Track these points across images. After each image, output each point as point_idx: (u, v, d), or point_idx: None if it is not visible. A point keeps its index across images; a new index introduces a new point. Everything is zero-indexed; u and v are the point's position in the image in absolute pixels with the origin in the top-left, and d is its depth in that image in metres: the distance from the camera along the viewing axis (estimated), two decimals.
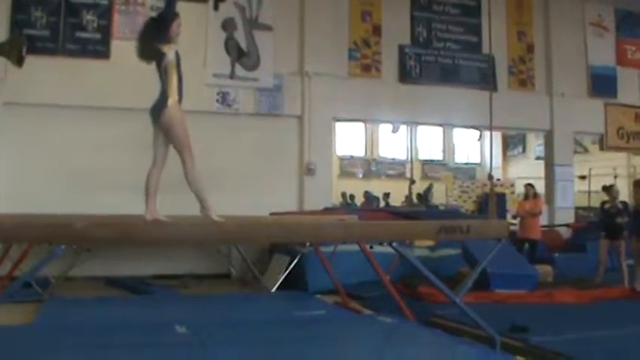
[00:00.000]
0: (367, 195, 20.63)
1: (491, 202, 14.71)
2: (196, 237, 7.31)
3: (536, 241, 13.54)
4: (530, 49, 16.81)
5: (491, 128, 14.47)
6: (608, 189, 12.62)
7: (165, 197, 12.37)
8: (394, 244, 7.54)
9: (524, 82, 16.64)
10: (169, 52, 6.65)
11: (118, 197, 11.97)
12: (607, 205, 12.23)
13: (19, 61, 11.45)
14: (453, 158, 27.28)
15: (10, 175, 12.23)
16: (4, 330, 7.02)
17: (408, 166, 23.51)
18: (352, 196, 20.74)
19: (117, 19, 13.31)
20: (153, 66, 12.80)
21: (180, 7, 13.13)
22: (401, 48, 15.48)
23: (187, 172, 6.84)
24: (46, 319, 7.99)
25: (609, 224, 12.00)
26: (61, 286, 10.84)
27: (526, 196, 14.11)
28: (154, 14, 13.17)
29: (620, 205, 12.10)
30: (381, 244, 9.53)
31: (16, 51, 11.47)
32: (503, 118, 14.97)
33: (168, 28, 6.67)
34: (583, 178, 21.00)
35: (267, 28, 14.16)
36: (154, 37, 6.75)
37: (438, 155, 27.09)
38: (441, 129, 24.59)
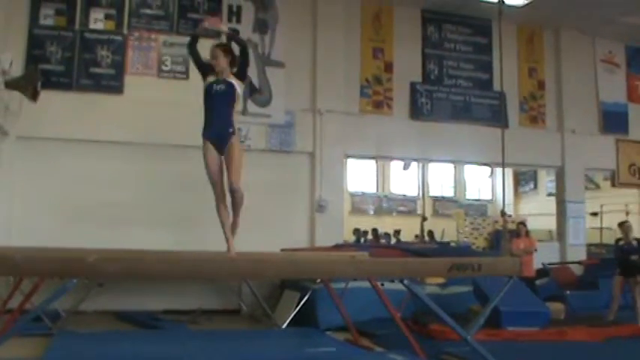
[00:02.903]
0: (375, 232, 20.61)
1: (504, 239, 14.68)
2: (207, 272, 7.32)
3: (532, 279, 13.46)
4: (541, 85, 16.87)
5: (503, 165, 14.47)
6: (621, 225, 12.58)
7: (180, 232, 12.46)
8: (405, 281, 7.53)
9: (535, 118, 16.67)
10: (241, 85, 7.16)
11: (130, 231, 12.03)
12: (621, 242, 12.19)
13: (33, 96, 11.59)
14: (464, 195, 27.26)
15: (23, 208, 12.30)
16: None
17: (419, 202, 23.56)
18: (365, 232, 20.74)
19: (130, 54, 13.45)
20: (165, 102, 13.00)
21: None
22: (412, 85, 15.55)
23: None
24: (55, 353, 7.96)
25: (624, 261, 11.94)
26: (71, 320, 10.82)
27: (518, 235, 14.14)
28: (167, 50, 13.43)
29: (634, 243, 12.05)
30: (392, 281, 9.54)
31: (31, 86, 11.61)
32: (515, 155, 14.96)
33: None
34: (595, 214, 20.93)
35: (280, 64, 14.27)
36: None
37: (449, 192, 27.08)
38: (452, 166, 24.60)
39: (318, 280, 10.62)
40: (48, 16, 13.05)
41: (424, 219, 19.60)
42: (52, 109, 12.37)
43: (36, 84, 11.64)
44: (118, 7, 13.47)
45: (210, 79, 7.24)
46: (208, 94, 7.20)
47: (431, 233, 20.89)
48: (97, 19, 13.36)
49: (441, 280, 12.55)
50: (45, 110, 12.16)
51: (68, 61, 13.06)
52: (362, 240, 20.22)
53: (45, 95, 11.88)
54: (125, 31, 13.48)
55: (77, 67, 13.09)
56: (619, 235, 12.50)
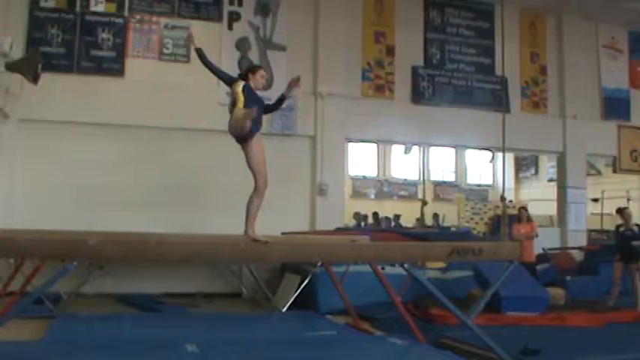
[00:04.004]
0: (376, 216, 20.59)
1: (504, 224, 14.66)
2: (208, 256, 7.32)
3: (533, 264, 13.44)
4: (543, 70, 16.84)
5: (504, 150, 14.44)
6: (621, 211, 12.56)
7: (182, 215, 12.46)
8: (406, 265, 7.53)
9: (537, 103, 16.64)
10: (237, 86, 7.31)
11: (131, 214, 12.05)
12: (622, 228, 12.17)
13: (34, 79, 11.56)
14: (465, 180, 27.19)
15: (24, 190, 12.30)
16: (14, 346, 7.03)
17: (420, 187, 23.47)
18: (366, 216, 20.72)
19: (132, 37, 13.43)
20: (167, 85, 13.02)
21: (194, 27, 13.35)
22: (414, 69, 15.53)
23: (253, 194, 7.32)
24: (56, 335, 7.98)
25: (624, 247, 11.93)
26: (72, 302, 10.84)
27: (519, 220, 14.12)
28: (168, 33, 13.42)
29: (635, 228, 12.04)
30: (392, 265, 9.55)
31: (31, 68, 11.58)
32: (516, 140, 14.95)
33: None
34: (596, 200, 20.92)
35: (281, 48, 14.23)
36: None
37: (450, 177, 27.01)
38: (453, 150, 24.54)
39: (319, 264, 10.62)
40: None
41: (424, 203, 19.52)
42: (53, 91, 12.36)
43: (37, 66, 11.61)
44: None
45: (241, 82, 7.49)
46: (250, 91, 7.46)
47: (436, 217, 20.89)
48: (98, 2, 13.33)
49: (441, 265, 12.56)
50: (46, 93, 12.14)
51: (69, 43, 13.04)
52: (362, 224, 20.19)
53: (46, 78, 11.86)
54: (126, 14, 13.45)
55: (78, 49, 13.06)
56: (620, 221, 12.48)
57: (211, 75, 7.50)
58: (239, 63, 13.73)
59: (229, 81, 7.44)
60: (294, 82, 8.24)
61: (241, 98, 7.21)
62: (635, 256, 11.75)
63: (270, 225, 11.83)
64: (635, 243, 11.79)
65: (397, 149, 23.31)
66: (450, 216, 22.73)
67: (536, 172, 25.77)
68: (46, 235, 7.66)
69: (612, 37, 17.59)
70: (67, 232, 8.37)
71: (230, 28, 13.93)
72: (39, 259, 7.99)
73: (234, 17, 13.98)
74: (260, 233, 7.21)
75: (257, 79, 7.56)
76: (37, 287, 8.62)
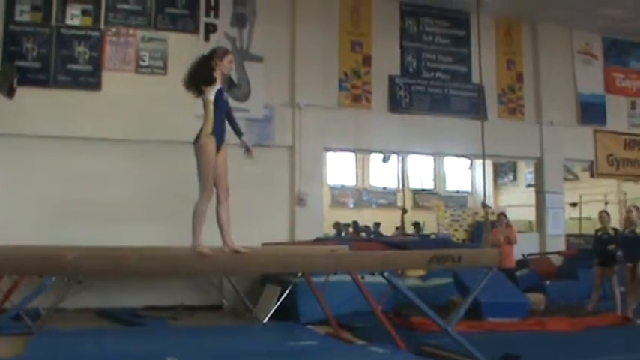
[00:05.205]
0: (355, 225, 20.62)
1: (486, 230, 14.73)
2: (187, 268, 7.30)
3: (513, 270, 13.47)
4: (519, 77, 16.92)
5: (484, 157, 14.54)
6: (599, 215, 12.65)
7: (163, 227, 12.38)
8: (386, 273, 7.55)
9: (513, 110, 16.72)
10: (210, 92, 7.05)
11: (108, 229, 11.96)
12: (599, 232, 12.24)
13: (10, 93, 11.49)
14: (444, 187, 27.31)
15: (0, 206, 12.20)
16: None
17: (399, 195, 23.56)
18: (346, 226, 20.74)
19: (108, 50, 13.37)
20: (144, 97, 12.95)
21: (171, 39, 13.33)
22: (391, 78, 15.57)
23: (196, 204, 7.15)
24: (35, 351, 7.92)
25: (601, 251, 11.99)
26: (51, 317, 10.74)
27: (499, 225, 14.13)
28: (145, 45, 13.38)
29: (611, 232, 12.11)
30: (372, 273, 9.57)
31: (7, 82, 11.52)
32: (494, 147, 14.99)
33: (211, 72, 7.10)
34: (574, 205, 21.07)
35: (258, 59, 14.22)
36: (198, 76, 7.15)
37: (429, 184, 27.12)
38: (431, 158, 24.66)
39: (299, 274, 10.62)
40: (24, 12, 12.95)
41: (404, 211, 19.61)
42: (29, 106, 12.27)
43: (12, 81, 11.56)
44: (95, 2, 13.37)
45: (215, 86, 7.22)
46: (222, 99, 7.28)
47: (417, 224, 20.94)
48: (74, 15, 13.26)
49: (421, 273, 12.59)
50: (22, 107, 12.06)
51: (45, 57, 12.95)
52: (342, 233, 20.21)
53: (22, 92, 11.80)
54: (102, 27, 13.40)
55: (54, 63, 12.99)
56: (598, 225, 12.55)
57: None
58: None
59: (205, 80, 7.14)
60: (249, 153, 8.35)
61: (210, 115, 7.09)
62: (612, 259, 11.84)
63: (249, 236, 11.79)
64: (610, 247, 11.86)
65: (375, 158, 23.34)
66: (430, 223, 22.82)
67: (515, 179, 25.92)
68: (23, 250, 7.61)
69: (586, 43, 17.73)
70: (45, 247, 8.32)
71: (207, 39, 13.90)
72: (17, 275, 7.94)
73: (210, 29, 13.97)
74: (239, 244, 7.19)
75: (225, 65, 7.27)
76: (16, 303, 8.56)
